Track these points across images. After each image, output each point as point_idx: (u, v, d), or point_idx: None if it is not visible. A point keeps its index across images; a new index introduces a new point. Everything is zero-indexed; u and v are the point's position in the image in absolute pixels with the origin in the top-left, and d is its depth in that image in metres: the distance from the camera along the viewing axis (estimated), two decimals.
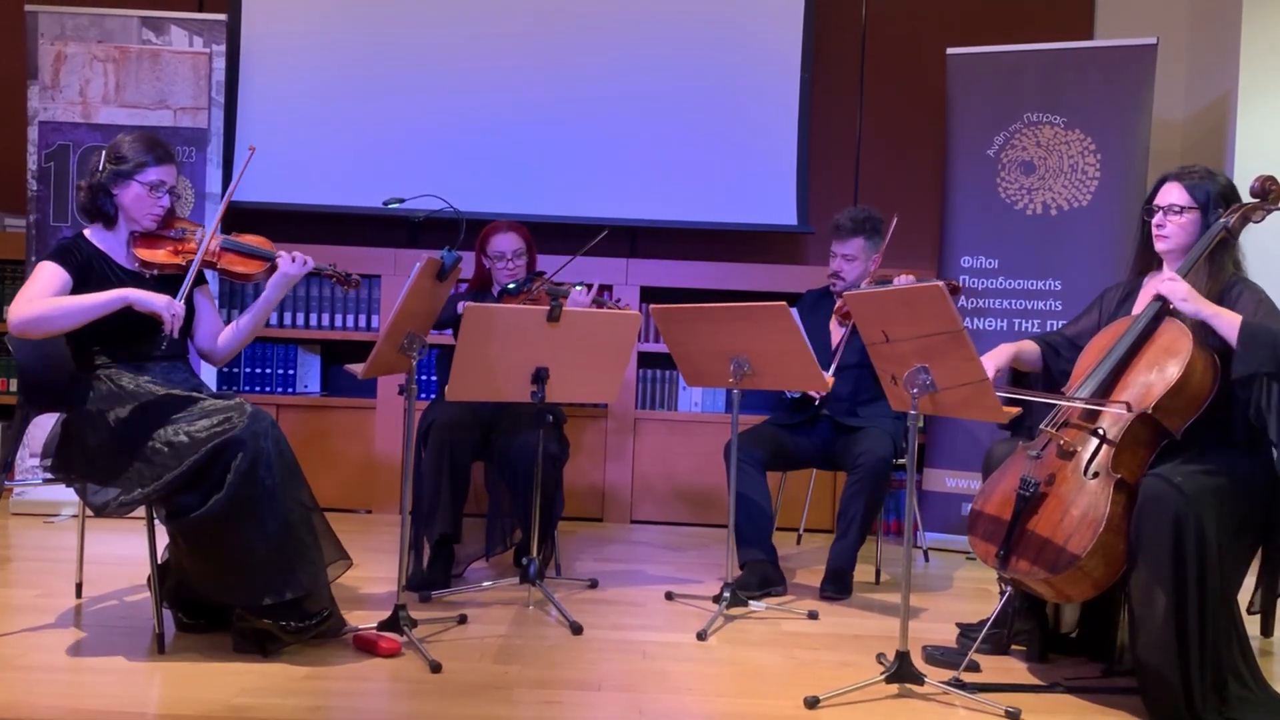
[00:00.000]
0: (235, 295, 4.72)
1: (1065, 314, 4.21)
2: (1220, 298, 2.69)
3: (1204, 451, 2.59)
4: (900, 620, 2.66)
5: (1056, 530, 2.60)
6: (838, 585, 3.58)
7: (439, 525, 3.49)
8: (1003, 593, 2.87)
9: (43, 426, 3.24)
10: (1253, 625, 2.71)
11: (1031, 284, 4.43)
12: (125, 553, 3.61)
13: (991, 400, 2.61)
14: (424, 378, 4.59)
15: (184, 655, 2.75)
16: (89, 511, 2.91)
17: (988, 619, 2.95)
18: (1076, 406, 2.70)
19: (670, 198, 4.90)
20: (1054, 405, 2.77)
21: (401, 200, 3.51)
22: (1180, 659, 2.42)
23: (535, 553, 3.31)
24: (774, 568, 3.60)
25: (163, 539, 2.83)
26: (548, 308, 3.11)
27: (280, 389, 4.82)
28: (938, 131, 4.80)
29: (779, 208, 4.94)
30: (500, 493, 3.65)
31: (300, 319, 4.81)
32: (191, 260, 2.90)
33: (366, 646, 2.81)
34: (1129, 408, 2.59)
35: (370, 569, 3.61)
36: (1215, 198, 2.76)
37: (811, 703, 2.55)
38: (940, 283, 2.61)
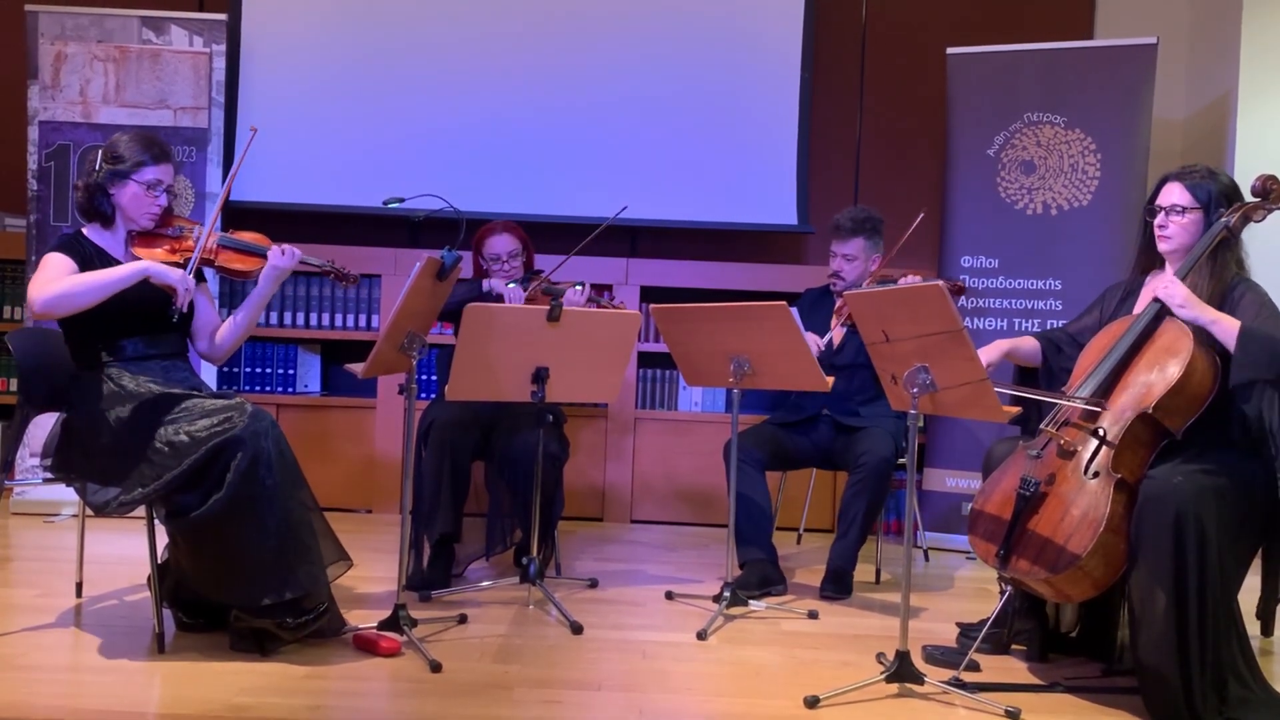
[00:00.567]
0: (236, 296, 4.72)
1: (1065, 314, 4.21)
2: (1223, 298, 2.68)
3: (1204, 451, 2.58)
4: (900, 620, 2.65)
5: (1057, 530, 2.60)
6: (838, 585, 3.58)
7: (439, 525, 3.49)
8: (1003, 592, 2.87)
9: (43, 426, 3.24)
10: (1253, 625, 2.71)
11: (1032, 284, 4.43)
12: (125, 552, 3.61)
13: (991, 400, 2.61)
14: (424, 377, 4.59)
15: (184, 655, 2.75)
16: (89, 511, 2.91)
17: (988, 619, 2.94)
18: (1076, 406, 2.70)
19: (670, 198, 4.90)
20: (1054, 404, 2.77)
21: (401, 200, 3.50)
22: (1180, 659, 2.42)
23: (535, 552, 3.31)
24: (774, 567, 3.60)
25: (163, 539, 2.83)
26: (547, 307, 3.11)
27: (280, 389, 4.82)
28: (938, 131, 4.80)
29: (779, 208, 4.94)
30: (500, 492, 3.65)
31: (300, 319, 4.81)
32: (189, 258, 2.90)
33: (366, 646, 2.81)
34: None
35: (370, 569, 3.61)
36: (1217, 197, 2.75)
37: (811, 702, 2.55)
38: (940, 282, 2.61)
